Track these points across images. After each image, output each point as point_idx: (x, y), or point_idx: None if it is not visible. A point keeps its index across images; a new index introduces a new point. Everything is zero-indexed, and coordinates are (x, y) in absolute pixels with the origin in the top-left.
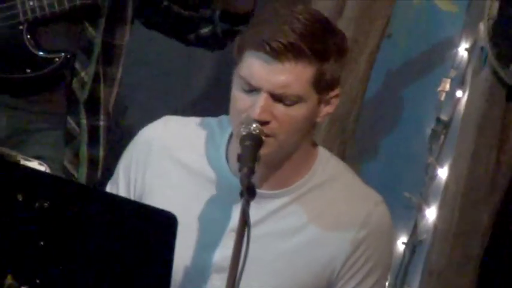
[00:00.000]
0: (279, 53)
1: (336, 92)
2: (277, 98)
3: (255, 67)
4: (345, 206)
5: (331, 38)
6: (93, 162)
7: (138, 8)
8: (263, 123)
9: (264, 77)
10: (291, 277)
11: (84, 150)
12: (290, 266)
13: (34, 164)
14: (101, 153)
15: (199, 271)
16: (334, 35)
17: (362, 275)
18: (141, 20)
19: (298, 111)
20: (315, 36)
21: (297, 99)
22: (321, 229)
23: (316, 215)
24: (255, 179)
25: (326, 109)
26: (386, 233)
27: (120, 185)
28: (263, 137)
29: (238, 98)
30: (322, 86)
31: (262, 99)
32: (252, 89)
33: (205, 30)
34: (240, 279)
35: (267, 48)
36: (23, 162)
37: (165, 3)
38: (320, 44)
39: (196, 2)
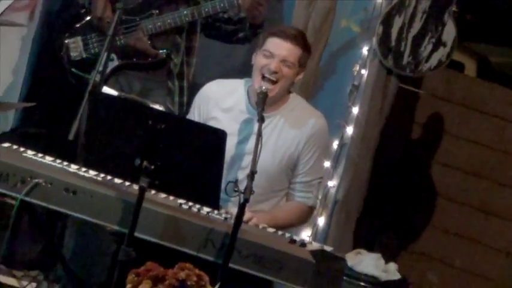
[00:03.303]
0: (287, 37)
1: (303, 69)
2: (282, 61)
3: (274, 43)
4: (305, 118)
5: (307, 41)
6: (181, 104)
7: (203, 27)
8: (276, 72)
9: (278, 49)
10: (280, 153)
11: (176, 99)
12: (280, 147)
13: (157, 106)
14: (185, 99)
15: (240, 154)
16: (307, 40)
17: (313, 150)
18: (204, 33)
19: (289, 71)
20: (303, 37)
21: (291, 65)
22: (294, 129)
23: (291, 123)
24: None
25: (298, 76)
26: (325, 131)
27: (195, 115)
28: (268, 93)
29: (262, 61)
30: (300, 63)
31: (277, 59)
32: (271, 56)
33: (241, 35)
34: (259, 156)
35: (282, 34)
36: (151, 105)
37: (217, 24)
38: (305, 41)
39: (235, 22)
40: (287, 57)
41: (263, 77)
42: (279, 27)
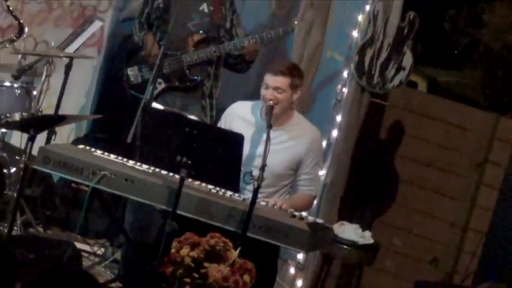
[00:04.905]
0: (277, 72)
1: (299, 90)
2: (276, 90)
3: (268, 78)
4: (305, 132)
5: (296, 70)
6: (211, 117)
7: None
8: (272, 99)
9: (271, 82)
10: (285, 157)
11: (208, 113)
12: (285, 154)
13: (193, 117)
14: (214, 113)
15: (253, 155)
16: (297, 69)
17: (313, 156)
18: None
19: (283, 96)
20: (290, 68)
21: (283, 91)
22: (296, 141)
23: (294, 136)
24: (272, 122)
25: (295, 96)
26: (320, 141)
27: (221, 125)
28: (274, 106)
29: (263, 91)
30: (292, 87)
31: (270, 90)
32: (267, 87)
33: (238, 66)
34: (266, 157)
35: (273, 71)
36: (188, 116)
37: (225, 58)
38: (292, 71)
39: (236, 58)
40: (279, 87)
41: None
42: (273, 64)
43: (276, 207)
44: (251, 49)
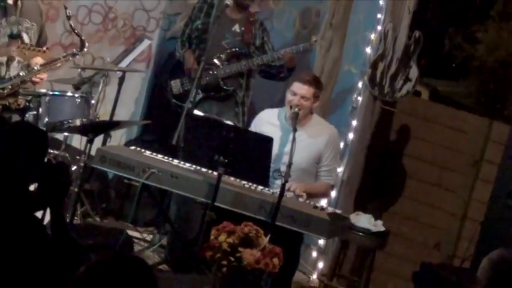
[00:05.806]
0: (304, 81)
1: (318, 99)
2: (301, 97)
3: (296, 86)
4: (324, 130)
5: (319, 83)
6: (243, 122)
7: (260, 71)
8: (298, 105)
9: (298, 90)
10: (308, 153)
11: (240, 118)
12: (307, 150)
13: (229, 122)
14: (246, 119)
15: (280, 154)
16: (320, 82)
17: (330, 150)
18: (260, 75)
19: (307, 103)
20: (316, 80)
21: (308, 99)
22: (316, 138)
23: (314, 134)
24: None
25: (315, 104)
26: (338, 139)
27: (252, 129)
28: (299, 112)
29: (289, 97)
30: (314, 96)
31: (298, 97)
32: (294, 94)
33: (282, 75)
34: (292, 155)
35: (301, 80)
36: (225, 121)
37: (267, 69)
38: (317, 83)
39: (277, 68)
40: (305, 95)
41: (291, 108)
42: (300, 74)
43: (291, 189)
44: (287, 58)
